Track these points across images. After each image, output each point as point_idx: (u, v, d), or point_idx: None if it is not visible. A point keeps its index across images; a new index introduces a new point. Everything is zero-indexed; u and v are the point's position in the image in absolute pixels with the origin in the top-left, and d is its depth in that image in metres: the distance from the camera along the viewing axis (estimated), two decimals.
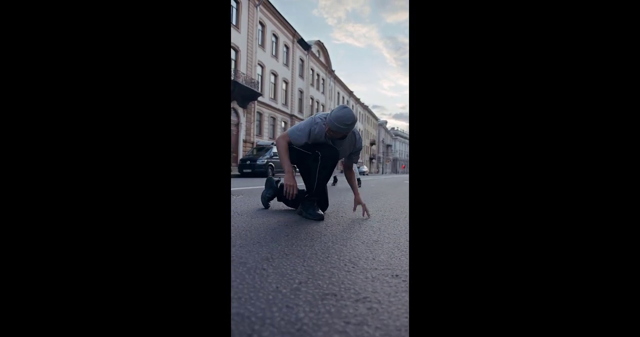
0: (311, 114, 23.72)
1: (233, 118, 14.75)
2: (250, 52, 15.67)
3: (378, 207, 2.34)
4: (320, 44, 25.70)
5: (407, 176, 26.74)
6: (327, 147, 1.68)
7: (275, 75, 19.04)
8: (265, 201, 2.04)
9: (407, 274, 0.81)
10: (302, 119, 22.26)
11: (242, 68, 15.11)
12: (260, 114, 17.38)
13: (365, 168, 26.79)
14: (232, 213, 1.77)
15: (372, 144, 43.39)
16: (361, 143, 1.86)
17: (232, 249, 1.01)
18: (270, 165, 9.97)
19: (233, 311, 0.59)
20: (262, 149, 10.78)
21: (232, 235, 1.21)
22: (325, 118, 1.63)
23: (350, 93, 34.04)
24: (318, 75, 25.78)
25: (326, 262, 0.91)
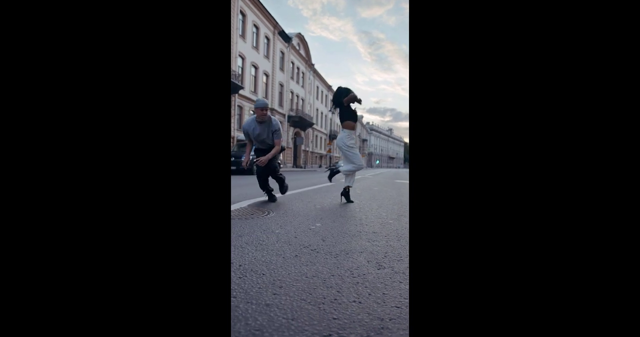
0: (291, 108, 23.43)
1: None
2: (231, 42, 15.12)
3: None
4: (300, 37, 25.36)
5: (389, 170, 27.15)
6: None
7: (256, 68, 18.59)
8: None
9: None
10: (282, 113, 21.95)
11: None
12: (240, 107, 16.92)
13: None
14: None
15: None
16: (276, 125, 2.79)
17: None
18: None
19: None
20: (244, 145, 10.39)
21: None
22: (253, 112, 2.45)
23: (329, 87, 33.96)
24: (298, 68, 25.49)
25: None
